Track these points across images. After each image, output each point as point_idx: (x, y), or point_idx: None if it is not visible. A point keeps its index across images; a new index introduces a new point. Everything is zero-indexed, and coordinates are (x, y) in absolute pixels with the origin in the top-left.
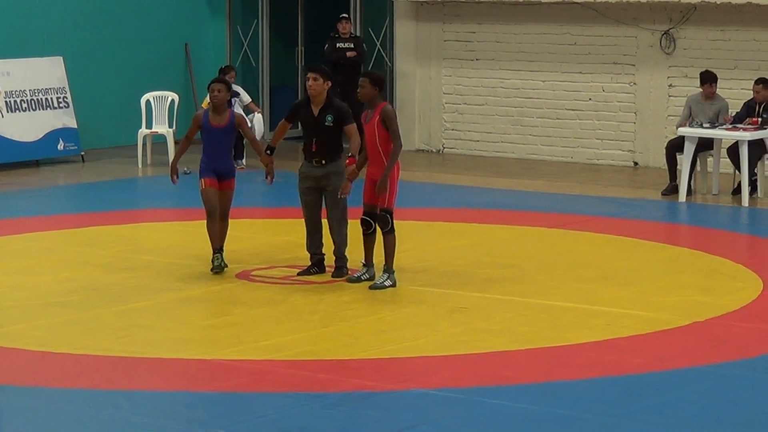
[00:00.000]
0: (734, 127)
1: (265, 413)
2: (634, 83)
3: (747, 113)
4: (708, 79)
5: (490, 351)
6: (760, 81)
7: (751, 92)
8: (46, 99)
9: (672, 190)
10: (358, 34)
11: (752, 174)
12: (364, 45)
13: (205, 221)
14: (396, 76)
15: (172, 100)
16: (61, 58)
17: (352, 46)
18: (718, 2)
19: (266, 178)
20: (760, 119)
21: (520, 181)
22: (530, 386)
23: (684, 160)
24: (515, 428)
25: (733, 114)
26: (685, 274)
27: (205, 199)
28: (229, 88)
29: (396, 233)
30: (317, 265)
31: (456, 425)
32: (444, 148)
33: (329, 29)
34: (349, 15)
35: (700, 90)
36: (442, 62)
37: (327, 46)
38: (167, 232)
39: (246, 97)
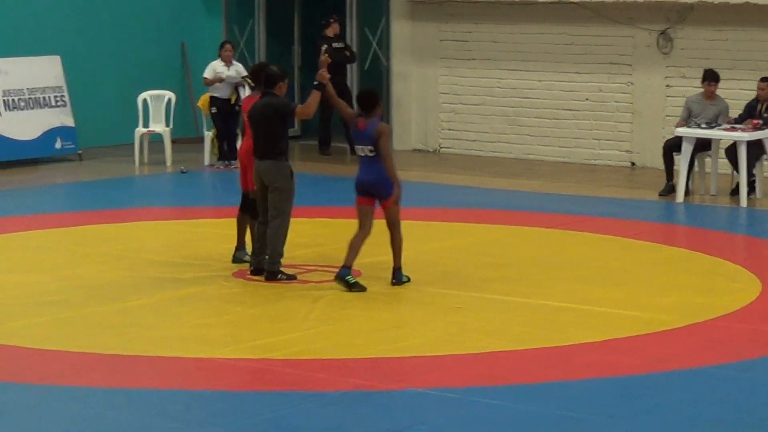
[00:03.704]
0: (733, 127)
1: (262, 412)
2: (631, 83)
3: (749, 114)
4: (710, 77)
5: (486, 351)
6: (766, 79)
7: (750, 92)
8: (44, 98)
9: (669, 190)
10: (354, 34)
11: (750, 175)
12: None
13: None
14: (392, 76)
15: (169, 99)
16: (59, 57)
17: (343, 46)
18: (716, 2)
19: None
20: (761, 120)
21: (516, 181)
22: (526, 386)
23: (682, 161)
24: (511, 428)
25: (736, 116)
26: (682, 275)
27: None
28: None
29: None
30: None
31: (452, 425)
32: (440, 147)
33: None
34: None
35: (700, 90)
36: (438, 62)
37: (325, 47)
38: (165, 230)
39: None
